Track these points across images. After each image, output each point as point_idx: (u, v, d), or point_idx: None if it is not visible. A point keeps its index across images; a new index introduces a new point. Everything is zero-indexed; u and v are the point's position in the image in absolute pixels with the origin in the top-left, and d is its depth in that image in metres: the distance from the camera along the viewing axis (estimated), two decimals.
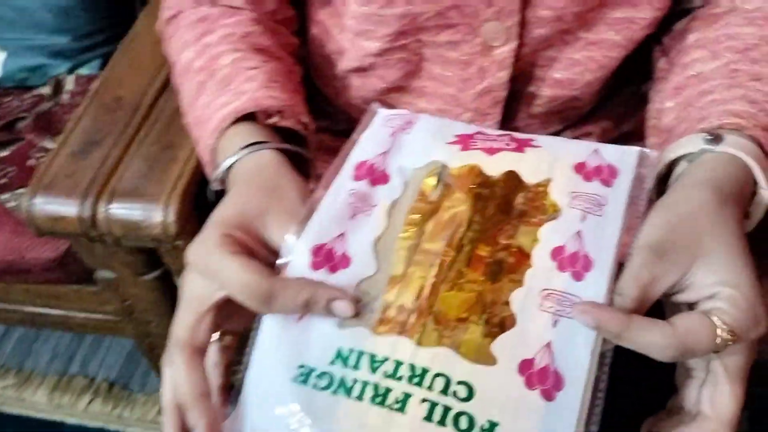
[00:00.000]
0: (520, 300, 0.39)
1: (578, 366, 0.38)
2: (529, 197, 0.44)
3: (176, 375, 0.41)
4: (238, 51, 0.53)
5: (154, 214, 0.70)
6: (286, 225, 0.43)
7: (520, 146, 0.46)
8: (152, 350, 1.00)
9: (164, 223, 0.70)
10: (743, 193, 0.44)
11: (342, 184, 0.45)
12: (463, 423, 0.37)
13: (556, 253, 0.41)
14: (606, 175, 0.44)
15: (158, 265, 0.84)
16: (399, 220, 0.44)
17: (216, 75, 0.52)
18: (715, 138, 0.45)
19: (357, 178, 0.45)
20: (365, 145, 0.48)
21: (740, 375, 0.40)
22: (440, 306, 0.40)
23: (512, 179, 0.44)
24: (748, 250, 0.40)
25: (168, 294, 0.88)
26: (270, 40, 0.56)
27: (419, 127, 0.49)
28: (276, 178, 0.46)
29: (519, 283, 0.40)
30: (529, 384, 0.38)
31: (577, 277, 0.40)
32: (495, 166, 0.45)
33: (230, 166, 0.48)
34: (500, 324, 0.39)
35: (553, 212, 0.43)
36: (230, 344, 0.46)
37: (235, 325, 0.45)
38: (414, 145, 0.47)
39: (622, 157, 0.45)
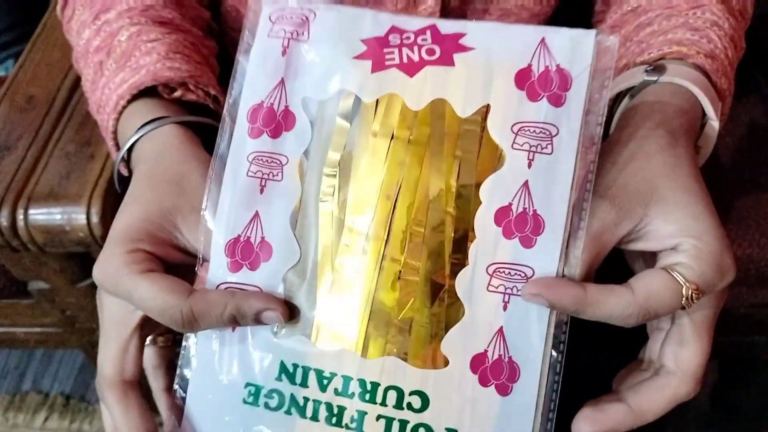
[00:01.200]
0: (466, 282, 0.36)
1: (533, 350, 0.36)
2: (464, 142, 0.36)
3: (113, 416, 0.39)
4: (137, 25, 0.49)
5: (77, 217, 0.66)
6: (198, 224, 0.39)
7: (447, 53, 0.37)
8: None
9: (89, 225, 0.65)
10: (693, 127, 0.41)
11: (240, 150, 0.38)
12: (426, 429, 0.36)
13: (501, 215, 0.36)
14: (556, 87, 0.35)
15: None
16: (314, 180, 0.37)
17: (114, 52, 0.48)
18: (657, 69, 0.41)
19: (254, 133, 0.38)
20: (254, 79, 0.38)
21: (706, 326, 0.37)
22: (379, 307, 0.36)
23: (441, 114, 0.36)
24: (707, 191, 0.37)
25: None
26: (174, 13, 0.52)
27: (317, 33, 0.39)
28: (180, 164, 0.41)
29: (463, 260, 0.36)
30: (484, 381, 0.36)
31: (527, 243, 0.35)
32: (418, 93, 0.36)
33: (133, 149, 0.44)
34: (447, 316, 0.36)
35: (495, 158, 0.36)
36: (166, 344, 0.43)
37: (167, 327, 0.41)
38: (314, 67, 0.38)
39: (576, 50, 0.36)
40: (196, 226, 0.38)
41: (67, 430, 1.16)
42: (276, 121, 0.37)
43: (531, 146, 0.35)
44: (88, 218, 0.65)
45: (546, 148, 0.35)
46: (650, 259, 0.38)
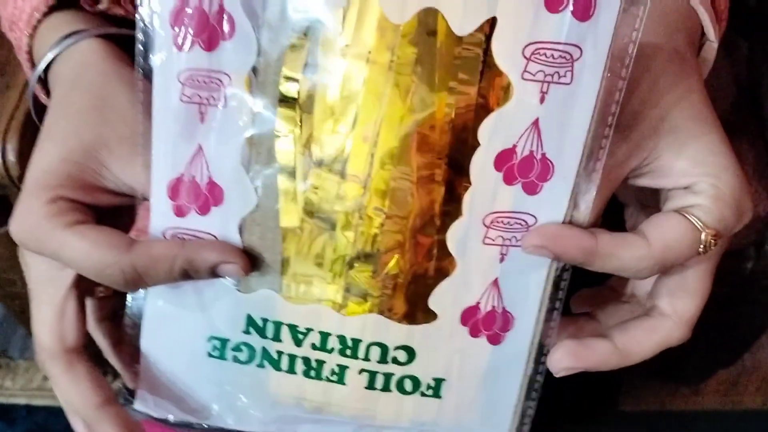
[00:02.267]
0: (459, 236, 0.31)
1: (529, 299, 0.33)
2: (461, 70, 0.29)
3: (61, 391, 0.34)
4: None
5: None
6: (129, 157, 0.33)
7: None
8: (24, 313, 0.89)
9: (3, 163, 0.59)
10: (695, 49, 0.37)
11: (167, 67, 0.30)
12: (408, 385, 0.34)
13: (503, 159, 0.29)
14: None
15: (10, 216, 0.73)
16: (269, 107, 0.30)
17: None
18: None
19: (183, 44, 0.29)
20: None
21: (710, 270, 0.34)
22: (358, 262, 0.31)
23: (431, 30, 0.28)
24: (722, 128, 0.33)
25: None
26: None
27: None
28: (102, 86, 0.35)
29: (456, 211, 0.30)
30: (474, 332, 0.33)
31: (531, 189, 0.30)
32: (401, 0, 0.28)
33: (48, 69, 0.37)
34: (436, 271, 0.32)
35: (499, 91, 0.29)
36: (108, 292, 0.38)
37: None
38: None
39: None
40: (127, 161, 0.33)
41: None
42: (209, 27, 0.29)
43: (546, 75, 0.28)
44: (3, 156, 0.59)
45: (564, 76, 0.28)
46: (650, 196, 0.34)
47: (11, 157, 0.59)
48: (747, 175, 0.33)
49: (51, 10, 0.39)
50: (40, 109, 0.42)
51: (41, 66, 0.37)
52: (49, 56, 0.37)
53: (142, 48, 0.30)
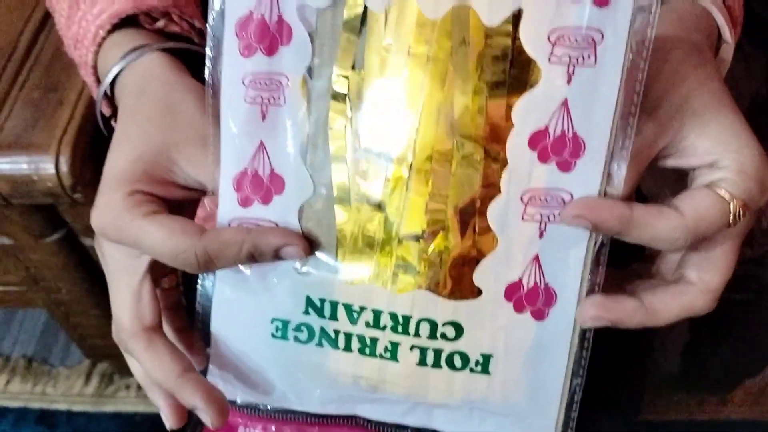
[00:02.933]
0: (499, 213, 0.33)
1: (570, 274, 0.34)
2: (491, 54, 0.31)
3: (143, 365, 0.36)
4: None
5: (45, 166, 0.62)
6: (196, 156, 0.36)
7: None
8: (68, 320, 0.93)
9: (57, 174, 0.62)
10: (712, 49, 0.39)
11: (233, 72, 0.33)
12: (457, 361, 0.36)
13: (536, 139, 0.31)
14: None
15: (60, 225, 0.77)
16: (321, 104, 0.33)
17: None
18: None
19: (246, 51, 0.33)
20: None
21: (737, 244, 0.35)
22: (406, 241, 0.34)
23: (464, 23, 0.31)
24: (740, 111, 0.35)
25: (75, 257, 0.80)
26: None
27: None
28: (168, 93, 0.38)
29: (495, 189, 0.33)
30: (518, 308, 0.34)
31: (565, 167, 0.32)
32: None
33: (115, 82, 0.41)
34: (479, 247, 0.34)
35: (528, 74, 0.32)
36: (172, 284, 0.41)
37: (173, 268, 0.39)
38: None
39: None
40: (195, 159, 0.36)
41: (30, 394, 1.13)
42: (270, 35, 0.33)
43: (571, 58, 0.30)
44: (57, 167, 0.62)
45: (589, 58, 0.30)
46: (673, 183, 0.37)
47: (64, 167, 0.62)
48: None
49: (114, 28, 0.42)
50: (103, 120, 0.45)
51: (109, 77, 0.40)
52: (116, 69, 0.40)
53: (211, 55, 0.33)
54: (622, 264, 0.39)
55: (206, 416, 0.35)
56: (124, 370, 1.12)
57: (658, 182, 0.40)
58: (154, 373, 0.36)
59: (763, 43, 0.78)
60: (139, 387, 1.12)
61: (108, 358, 1.08)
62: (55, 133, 0.63)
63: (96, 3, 0.43)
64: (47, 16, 0.73)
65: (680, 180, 0.36)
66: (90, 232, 0.79)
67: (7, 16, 0.75)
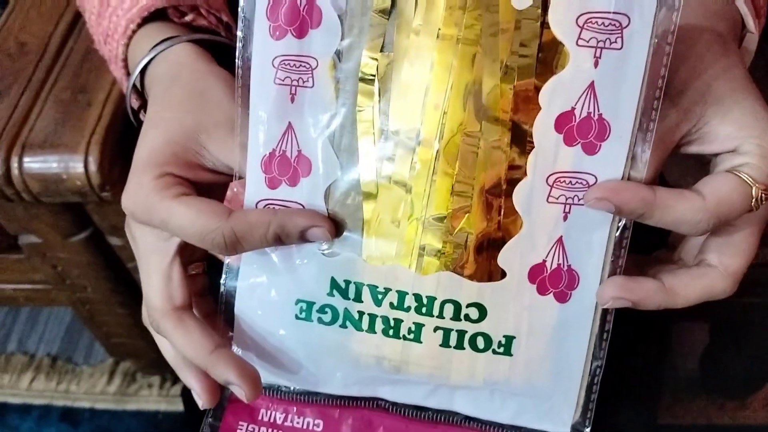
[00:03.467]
0: (524, 195, 0.33)
1: (593, 257, 0.35)
2: (521, 40, 0.32)
3: (176, 343, 0.37)
4: None
5: (74, 165, 0.64)
6: (225, 140, 0.37)
7: None
8: (92, 318, 0.94)
9: (86, 173, 0.64)
10: (736, 38, 0.40)
11: (263, 54, 0.34)
12: (480, 343, 0.36)
13: (563, 121, 0.32)
14: None
15: (87, 224, 0.78)
16: (350, 86, 0.34)
17: None
18: None
19: (277, 33, 0.33)
20: None
21: (758, 229, 0.36)
22: (432, 222, 0.34)
23: (493, 5, 0.32)
24: (762, 98, 0.35)
25: (101, 256, 0.82)
26: None
27: None
28: (197, 80, 0.39)
29: (521, 171, 0.33)
30: (542, 290, 0.35)
31: (590, 149, 0.32)
32: None
33: (144, 73, 0.42)
34: (504, 229, 0.34)
35: (556, 57, 0.32)
36: (198, 270, 0.41)
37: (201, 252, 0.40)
38: None
39: None
40: (224, 143, 0.37)
41: (54, 391, 1.14)
42: (300, 17, 0.33)
43: (598, 41, 0.31)
44: (86, 167, 0.64)
45: (615, 42, 0.31)
46: (696, 171, 0.37)
47: (93, 167, 0.63)
48: None
49: (144, 22, 0.43)
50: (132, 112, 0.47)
51: (139, 67, 0.42)
52: (146, 60, 0.41)
53: (242, 38, 0.34)
54: (645, 251, 0.40)
55: (240, 390, 0.36)
56: (147, 369, 1.13)
57: (682, 171, 0.40)
58: (186, 350, 0.37)
59: None
60: (161, 385, 1.13)
61: (131, 357, 1.09)
62: (84, 133, 0.65)
63: None
64: (77, 19, 0.75)
65: (703, 168, 0.37)
66: (116, 231, 0.80)
67: (38, 18, 0.77)
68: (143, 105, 0.45)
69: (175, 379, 1.13)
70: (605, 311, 0.36)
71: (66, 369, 1.17)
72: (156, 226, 0.36)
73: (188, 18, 0.44)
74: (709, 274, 0.36)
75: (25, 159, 0.64)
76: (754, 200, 0.33)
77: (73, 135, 0.65)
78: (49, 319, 1.23)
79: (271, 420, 0.41)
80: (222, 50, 0.44)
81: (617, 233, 0.35)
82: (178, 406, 1.09)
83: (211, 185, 0.38)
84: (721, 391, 1.04)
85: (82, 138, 0.64)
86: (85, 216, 0.77)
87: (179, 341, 0.37)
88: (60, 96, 0.68)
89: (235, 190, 0.38)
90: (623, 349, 0.62)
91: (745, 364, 0.95)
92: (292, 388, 0.41)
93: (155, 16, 0.44)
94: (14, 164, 0.65)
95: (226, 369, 0.36)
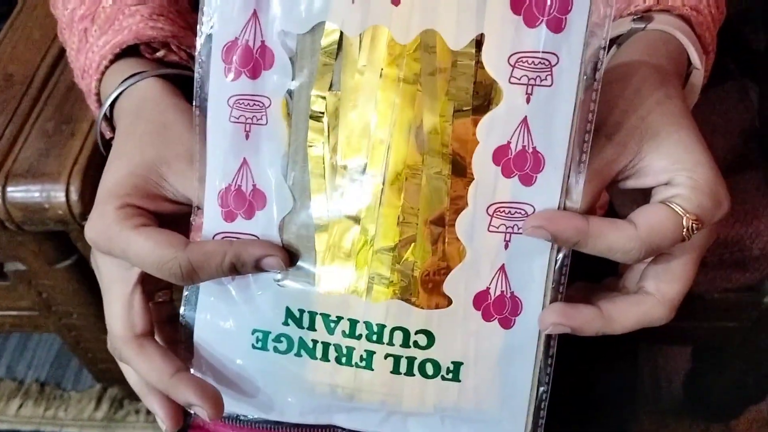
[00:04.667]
0: (466, 224, 0.35)
1: (534, 284, 0.36)
2: (457, 79, 0.34)
3: (137, 369, 0.38)
4: None
5: (56, 194, 0.65)
6: (185, 172, 0.38)
7: None
8: (79, 344, 0.94)
9: (67, 202, 0.65)
10: (679, 73, 0.41)
11: (219, 94, 0.36)
12: (429, 369, 0.37)
13: (500, 154, 0.34)
14: (555, 10, 0.32)
15: (71, 252, 0.79)
16: (301, 123, 0.36)
17: (98, 18, 0.47)
18: (644, 18, 0.42)
19: (232, 74, 0.35)
20: (224, 12, 0.34)
21: (693, 259, 0.37)
22: (380, 252, 0.36)
23: (431, 47, 0.34)
24: (696, 126, 0.37)
25: (86, 282, 0.83)
26: None
27: None
28: (160, 114, 0.41)
29: (462, 202, 0.35)
30: (486, 317, 0.36)
31: (527, 181, 0.34)
32: (405, 24, 0.33)
33: (114, 106, 0.43)
34: (448, 258, 0.36)
35: (491, 94, 0.34)
36: (165, 298, 0.42)
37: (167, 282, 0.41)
38: None
39: None
40: (184, 175, 0.38)
41: (41, 418, 1.15)
42: (254, 60, 0.35)
43: (529, 79, 0.33)
44: (67, 196, 0.65)
45: (545, 79, 0.33)
46: (642, 202, 0.38)
47: (74, 196, 0.64)
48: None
49: (116, 57, 0.45)
50: (104, 143, 0.48)
51: (109, 100, 0.43)
52: (114, 94, 0.43)
53: (199, 78, 0.36)
54: (595, 278, 0.41)
55: (202, 411, 0.37)
56: (134, 395, 1.14)
57: (628, 202, 0.42)
58: (147, 375, 0.37)
59: (755, 75, 0.79)
60: (148, 412, 1.13)
61: (118, 383, 1.09)
62: (66, 163, 0.66)
63: (101, 36, 0.46)
64: (63, 51, 0.77)
65: (647, 200, 0.38)
66: None
67: (27, 49, 0.78)
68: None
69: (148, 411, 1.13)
70: (549, 337, 0.37)
71: (54, 395, 1.17)
72: (117, 255, 0.37)
73: (160, 54, 0.46)
74: (645, 302, 0.37)
75: (9, 188, 0.66)
76: (685, 230, 0.34)
77: (55, 165, 0.66)
78: (38, 345, 1.24)
79: None
80: (190, 84, 0.45)
81: (557, 261, 0.36)
82: None
83: (174, 215, 0.39)
84: (706, 415, 1.04)
85: (64, 168, 0.65)
86: (69, 243, 0.78)
87: (140, 366, 0.38)
88: (44, 126, 0.70)
89: (193, 222, 0.39)
90: (597, 372, 0.63)
91: (729, 387, 0.95)
92: (250, 417, 0.41)
93: (128, 52, 0.45)
94: None
95: (186, 391, 0.37)
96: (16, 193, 0.65)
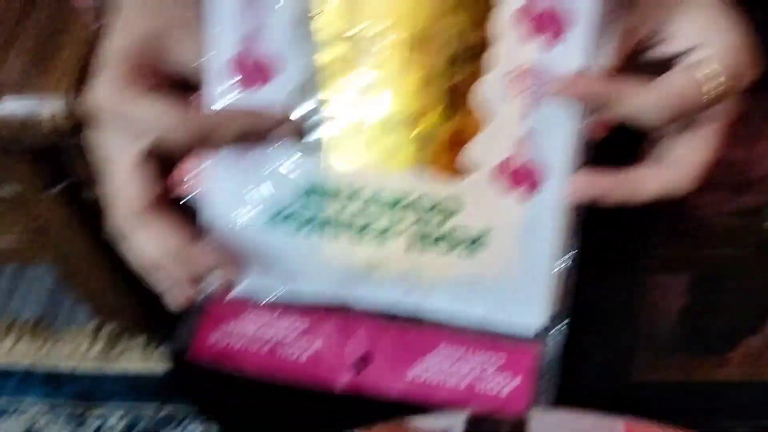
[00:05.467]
0: (487, 92, 0.34)
1: (559, 152, 0.35)
2: None
3: (150, 239, 0.37)
4: None
5: (44, 108, 0.64)
6: (190, 39, 0.37)
7: None
8: (74, 276, 0.94)
9: (55, 116, 0.64)
10: None
11: None
12: (450, 241, 0.37)
13: (522, 15, 0.33)
14: None
15: (64, 176, 0.78)
16: None
17: None
18: None
19: None
20: None
21: (716, 128, 0.36)
22: (397, 120, 0.35)
23: None
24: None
25: (79, 211, 0.82)
26: None
27: None
28: None
29: (484, 67, 0.34)
30: (510, 185, 0.36)
31: (550, 44, 0.33)
32: None
33: None
34: (470, 125, 0.35)
35: None
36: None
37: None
38: None
39: None
40: (190, 42, 0.37)
41: (36, 354, 1.15)
42: None
43: None
44: (55, 110, 0.63)
45: None
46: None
47: (63, 110, 0.63)
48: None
49: None
50: None
51: None
52: None
53: None
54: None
55: (222, 272, 0.37)
56: (130, 331, 1.14)
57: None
58: (163, 243, 0.36)
59: None
60: (144, 347, 1.13)
61: (114, 317, 1.09)
62: (55, 75, 0.65)
63: None
64: None
65: None
66: (94, 184, 0.80)
67: None
68: None
69: (159, 341, 1.13)
70: (573, 208, 0.36)
71: (49, 331, 1.17)
72: (124, 119, 0.36)
73: None
74: (670, 168, 0.37)
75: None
76: (705, 93, 0.34)
77: (44, 78, 0.64)
78: (33, 281, 1.23)
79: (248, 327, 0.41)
80: None
81: (582, 129, 0.35)
82: (162, 368, 1.09)
83: (179, 85, 0.38)
84: (702, 347, 1.04)
85: (53, 80, 0.64)
86: (62, 167, 0.77)
87: (151, 240, 0.36)
88: (32, 39, 0.68)
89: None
90: (594, 305, 0.62)
91: (725, 318, 0.96)
92: (262, 298, 0.40)
93: None
94: None
95: (205, 255, 0.36)
96: (3, 108, 0.64)
